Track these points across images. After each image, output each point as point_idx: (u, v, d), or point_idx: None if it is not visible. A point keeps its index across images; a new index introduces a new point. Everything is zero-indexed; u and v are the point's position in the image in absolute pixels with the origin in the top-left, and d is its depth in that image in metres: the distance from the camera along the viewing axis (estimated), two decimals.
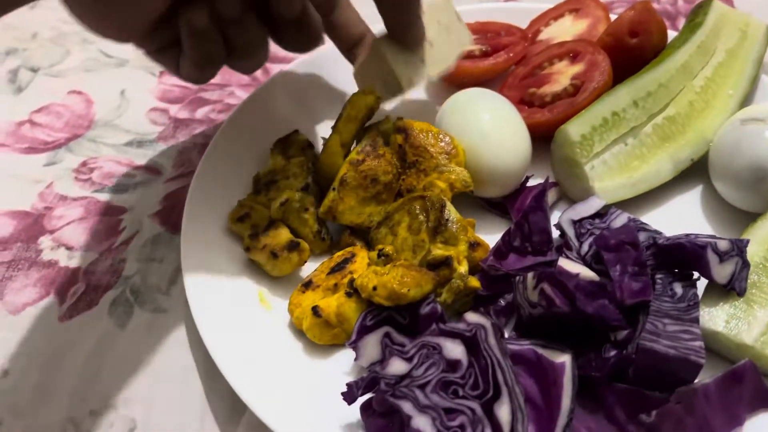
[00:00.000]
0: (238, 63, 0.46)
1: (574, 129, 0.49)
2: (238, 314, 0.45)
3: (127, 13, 0.38)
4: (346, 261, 0.46)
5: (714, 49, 0.54)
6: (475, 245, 0.46)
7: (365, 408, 0.39)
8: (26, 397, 0.44)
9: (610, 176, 0.49)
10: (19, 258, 0.52)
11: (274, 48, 0.47)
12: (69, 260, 0.51)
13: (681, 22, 0.66)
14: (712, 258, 0.40)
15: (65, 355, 0.46)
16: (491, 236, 0.48)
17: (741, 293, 0.41)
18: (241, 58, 0.45)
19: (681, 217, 0.49)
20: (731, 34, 0.54)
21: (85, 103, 0.64)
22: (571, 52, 0.54)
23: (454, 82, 0.59)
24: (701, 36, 0.53)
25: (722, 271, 0.40)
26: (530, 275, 0.41)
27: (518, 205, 0.49)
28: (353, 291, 0.43)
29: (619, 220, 0.46)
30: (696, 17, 0.55)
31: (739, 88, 0.53)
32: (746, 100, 0.53)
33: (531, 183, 0.51)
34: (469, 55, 0.58)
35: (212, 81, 0.47)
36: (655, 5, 0.69)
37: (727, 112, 0.51)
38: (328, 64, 0.58)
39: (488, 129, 0.49)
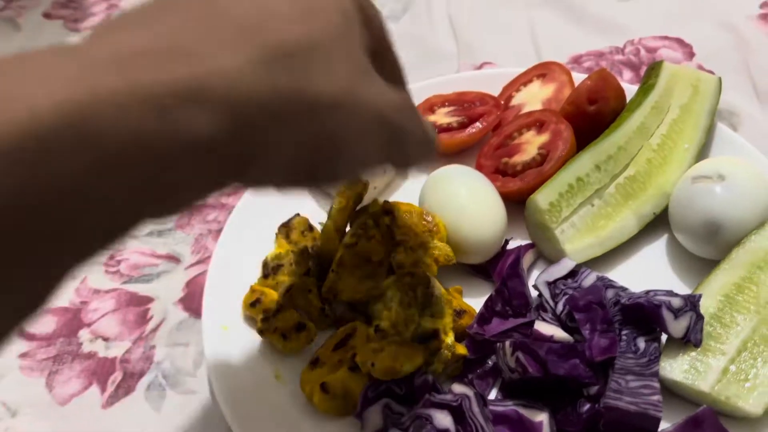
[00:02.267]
0: None
1: (543, 198, 0.54)
2: (257, 393, 0.50)
3: None
4: (348, 336, 0.52)
5: (668, 107, 0.58)
6: (461, 313, 0.51)
7: None
8: None
9: (580, 237, 0.54)
10: (63, 352, 0.58)
11: None
12: (106, 350, 0.58)
13: (644, 71, 0.71)
14: (667, 315, 0.45)
15: None
16: (478, 299, 0.53)
17: (697, 344, 0.45)
18: None
19: (647, 268, 0.54)
20: (683, 91, 0.59)
21: None
22: (537, 122, 0.59)
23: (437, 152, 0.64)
24: (655, 97, 0.58)
25: (677, 326, 0.45)
26: (507, 343, 0.46)
27: (499, 270, 0.54)
28: (355, 366, 0.49)
29: (589, 279, 0.51)
30: (649, 79, 0.60)
31: (694, 141, 0.57)
32: (703, 150, 0.58)
33: (511, 245, 0.57)
34: (447, 128, 0.63)
35: None
36: (619, 56, 0.74)
37: (684, 165, 0.56)
38: None
39: (465, 203, 0.54)
